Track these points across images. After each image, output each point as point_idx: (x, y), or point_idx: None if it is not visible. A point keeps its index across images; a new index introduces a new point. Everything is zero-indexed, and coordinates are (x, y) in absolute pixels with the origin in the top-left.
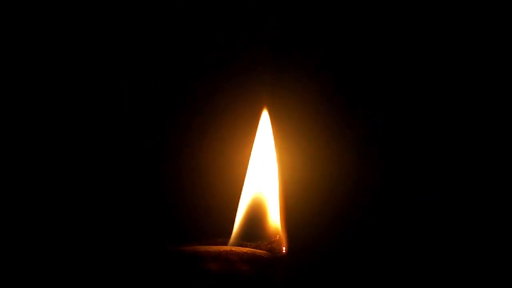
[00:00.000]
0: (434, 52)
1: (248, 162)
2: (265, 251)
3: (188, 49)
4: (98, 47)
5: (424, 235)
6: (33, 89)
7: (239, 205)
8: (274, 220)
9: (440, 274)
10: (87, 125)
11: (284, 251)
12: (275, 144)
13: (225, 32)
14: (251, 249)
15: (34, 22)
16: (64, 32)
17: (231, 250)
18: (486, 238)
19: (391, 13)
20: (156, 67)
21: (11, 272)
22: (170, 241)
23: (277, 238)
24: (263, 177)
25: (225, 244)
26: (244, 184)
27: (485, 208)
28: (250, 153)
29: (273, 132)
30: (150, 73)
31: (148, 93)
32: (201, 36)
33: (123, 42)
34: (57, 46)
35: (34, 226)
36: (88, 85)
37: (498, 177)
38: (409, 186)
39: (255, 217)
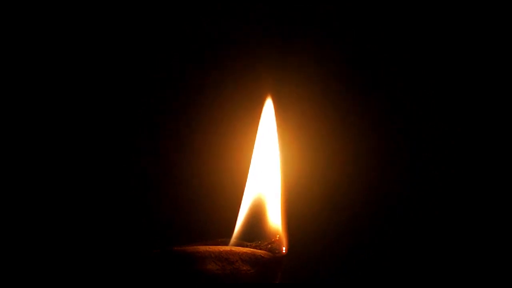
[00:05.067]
0: (440, 48)
1: (250, 162)
2: (265, 251)
3: (188, 38)
4: (95, 44)
5: (424, 235)
6: (33, 90)
7: (241, 205)
8: (274, 220)
9: (440, 274)
10: (87, 125)
11: (284, 251)
12: (278, 139)
13: (227, 18)
14: (251, 249)
15: (34, 22)
16: (64, 32)
17: (231, 250)
18: (486, 238)
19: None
20: (155, 60)
21: (11, 272)
22: (171, 241)
23: (277, 238)
24: (265, 177)
25: (225, 244)
26: (247, 183)
27: (485, 208)
28: (252, 152)
29: (276, 123)
30: (149, 66)
31: (148, 88)
32: (202, 23)
33: (119, 36)
34: (57, 46)
35: (35, 226)
36: (88, 84)
37: (498, 177)
38: (410, 187)
39: (255, 217)
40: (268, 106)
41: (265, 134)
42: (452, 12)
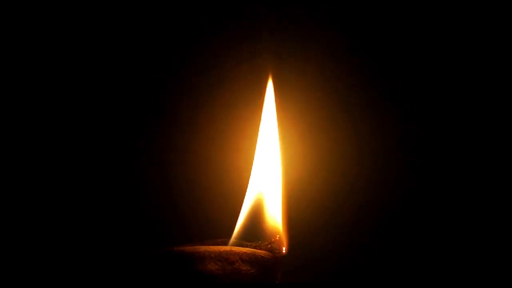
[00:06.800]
0: (440, 48)
1: (250, 162)
2: (265, 251)
3: (187, 31)
4: (95, 44)
5: (424, 235)
6: (34, 90)
7: (242, 205)
8: (275, 220)
9: (440, 274)
10: (87, 125)
11: (284, 251)
12: (278, 139)
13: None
14: (251, 249)
15: (34, 22)
16: (64, 32)
17: (231, 250)
18: (486, 238)
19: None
20: (155, 60)
21: (11, 272)
22: (170, 241)
23: (277, 238)
24: (266, 177)
25: (225, 244)
26: (248, 184)
27: (485, 208)
28: (253, 153)
29: (277, 121)
30: (149, 66)
31: (147, 88)
32: (202, 12)
33: (119, 36)
34: (57, 47)
35: (35, 226)
36: (88, 84)
37: (498, 177)
38: (410, 187)
39: (256, 218)
40: (269, 105)
41: (266, 133)
42: (452, 12)
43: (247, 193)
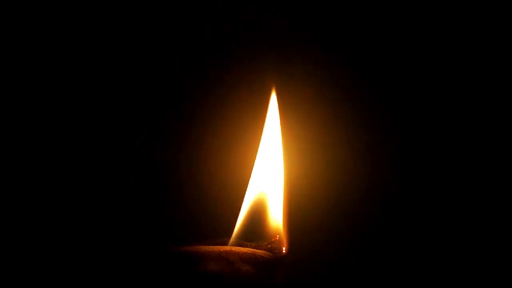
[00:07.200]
0: (440, 49)
1: (251, 161)
2: (265, 251)
3: (189, 35)
4: (95, 44)
5: (424, 235)
6: (33, 90)
7: (242, 205)
8: (275, 220)
9: (440, 274)
10: (87, 125)
11: (284, 251)
12: (281, 139)
13: (231, 16)
14: (251, 249)
15: (34, 22)
16: (64, 32)
17: (231, 250)
18: (486, 238)
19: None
20: (155, 60)
21: (12, 272)
22: (170, 241)
23: (277, 238)
24: (267, 176)
25: (225, 244)
26: (248, 183)
27: (485, 208)
28: (253, 152)
29: (279, 123)
30: (149, 66)
31: (148, 88)
32: (205, 21)
33: (119, 36)
34: (57, 46)
35: (35, 226)
36: (88, 84)
37: (498, 177)
38: (410, 187)
39: (256, 217)
40: (272, 106)
41: (268, 134)
42: (452, 12)
43: (247, 193)
